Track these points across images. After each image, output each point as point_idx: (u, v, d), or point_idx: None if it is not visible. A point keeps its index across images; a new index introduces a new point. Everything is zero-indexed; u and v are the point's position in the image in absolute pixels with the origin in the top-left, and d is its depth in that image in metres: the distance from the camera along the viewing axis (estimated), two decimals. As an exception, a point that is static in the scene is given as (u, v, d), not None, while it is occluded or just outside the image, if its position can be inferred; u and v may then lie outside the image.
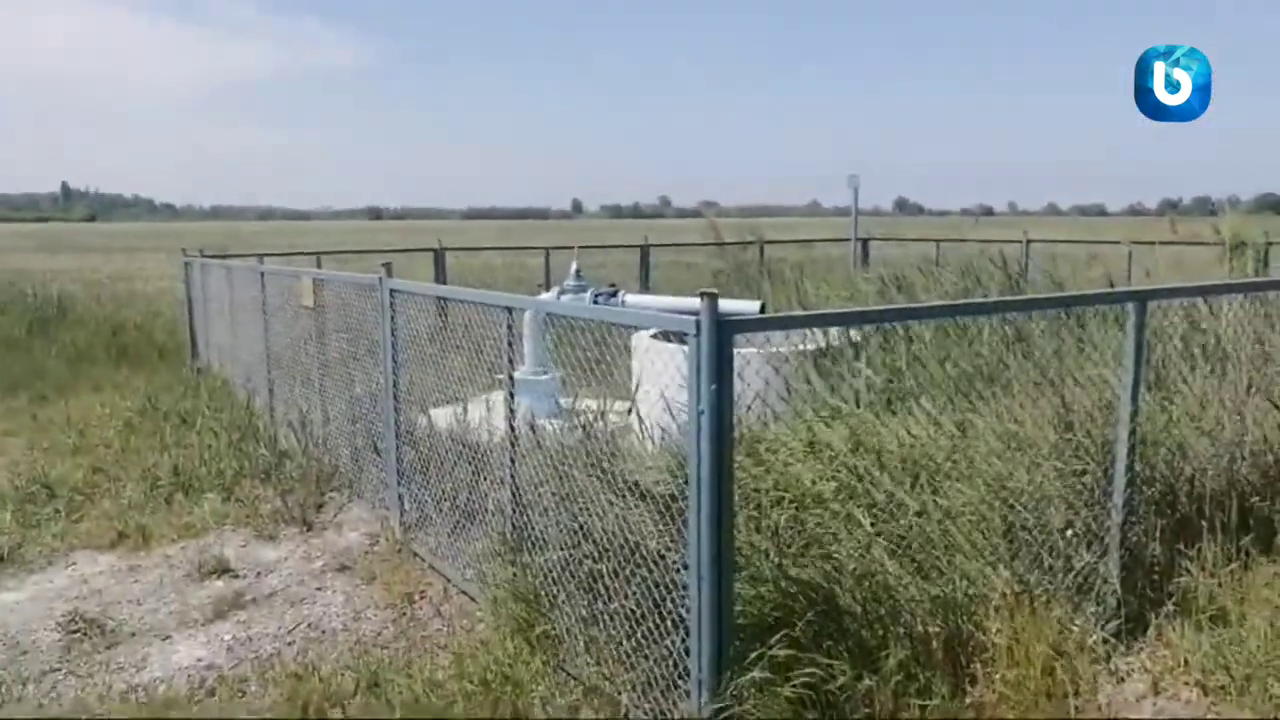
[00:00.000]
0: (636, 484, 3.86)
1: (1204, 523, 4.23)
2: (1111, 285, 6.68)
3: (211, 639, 4.58)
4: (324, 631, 4.64)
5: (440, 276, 12.83)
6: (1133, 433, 4.05)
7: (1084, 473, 4.17)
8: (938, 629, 3.70)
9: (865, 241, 15.74)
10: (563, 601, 4.01)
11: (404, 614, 4.80)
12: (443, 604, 4.87)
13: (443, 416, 5.36)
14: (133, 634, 4.65)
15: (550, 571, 4.09)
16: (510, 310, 4.37)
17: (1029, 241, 12.70)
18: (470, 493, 4.93)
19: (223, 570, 5.40)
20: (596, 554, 3.81)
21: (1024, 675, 3.54)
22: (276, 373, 7.86)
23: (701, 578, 3.14)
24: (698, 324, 3.04)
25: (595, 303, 8.30)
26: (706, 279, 14.32)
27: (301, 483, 6.55)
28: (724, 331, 3.05)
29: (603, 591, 3.75)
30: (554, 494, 4.14)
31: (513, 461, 4.45)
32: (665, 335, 7.92)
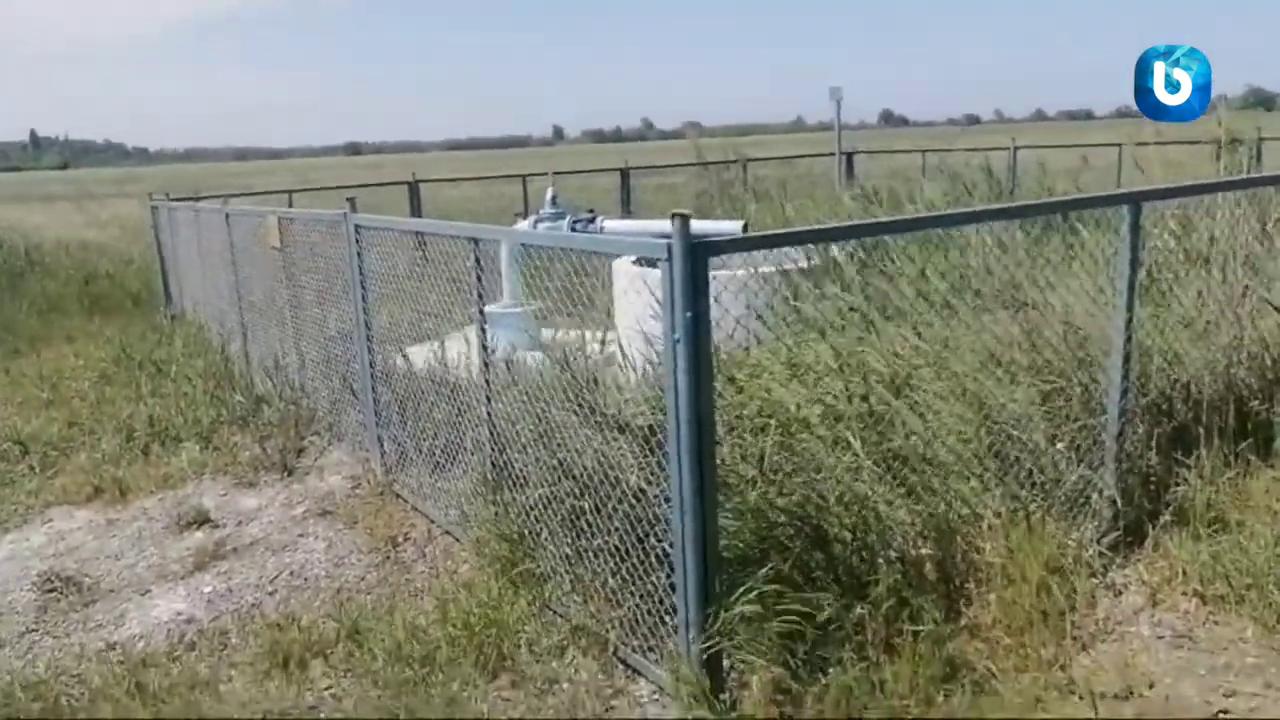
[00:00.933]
0: (616, 417, 3.72)
1: (1201, 429, 4.13)
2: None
3: (191, 592, 4.48)
4: (306, 579, 4.54)
5: (416, 210, 12.53)
6: (1128, 340, 3.91)
7: (1075, 386, 4.05)
8: (930, 552, 3.61)
9: (850, 156, 15.40)
10: (546, 540, 3.90)
11: (388, 558, 4.70)
12: (427, 546, 4.78)
13: (420, 354, 5.19)
14: (111, 590, 4.55)
15: (533, 510, 3.98)
16: (476, 241, 4.17)
17: (1016, 148, 12.42)
18: (451, 432, 4.79)
19: (202, 520, 5.28)
20: (578, 491, 3.69)
21: (1019, 594, 3.46)
22: (250, 316, 7.66)
23: (684, 512, 3.01)
24: (669, 248, 2.86)
25: (573, 230, 8.07)
26: (689, 201, 14.05)
27: (280, 428, 6.41)
28: (698, 254, 2.87)
29: (585, 528, 3.64)
30: (531, 430, 4.00)
31: (488, 399, 4.31)
32: (647, 262, 7.73)
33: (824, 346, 4.64)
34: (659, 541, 3.22)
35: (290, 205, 12.26)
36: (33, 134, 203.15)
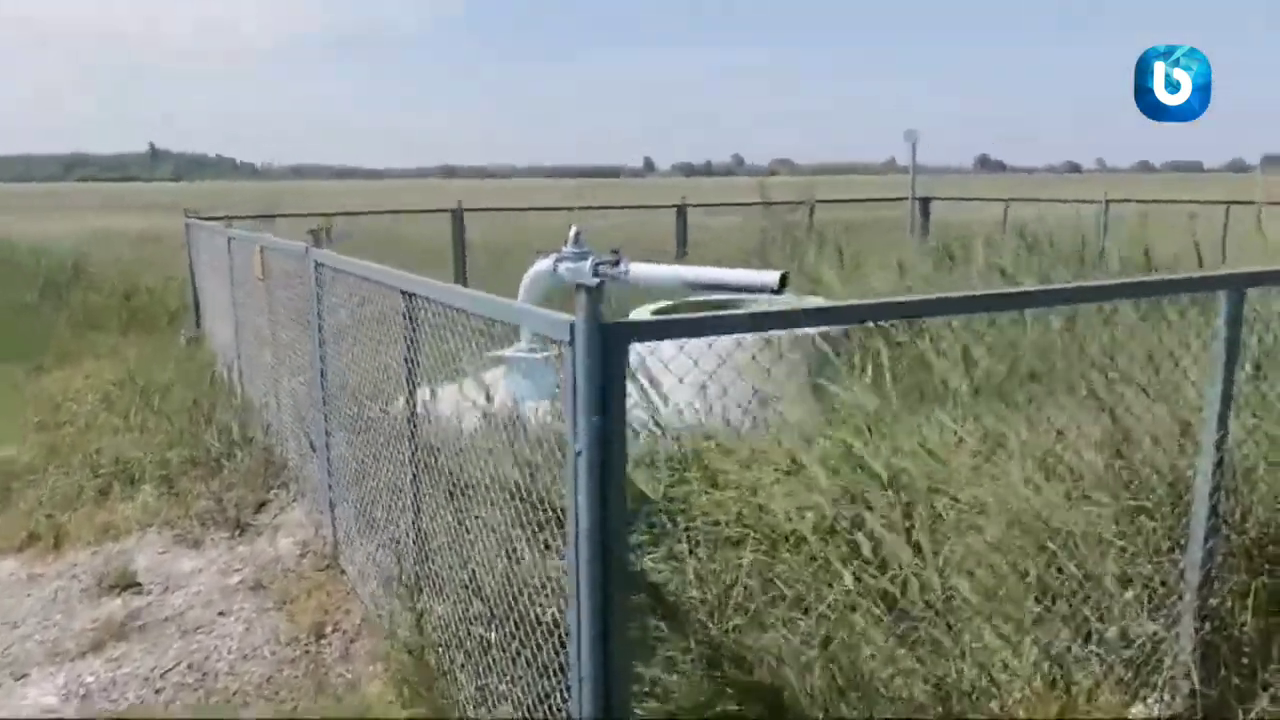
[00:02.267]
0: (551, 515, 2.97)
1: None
2: (1200, 264, 5.50)
3: (71, 680, 3.85)
4: (204, 675, 3.87)
5: (460, 240, 12.01)
6: (1219, 463, 3.00)
7: (1149, 512, 3.14)
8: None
9: (926, 201, 14.39)
10: (460, 668, 3.15)
11: (306, 652, 4.01)
12: (355, 640, 4.08)
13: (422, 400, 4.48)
14: (-10, 669, 3.96)
15: (448, 626, 3.24)
16: (411, 296, 3.47)
17: (1109, 201, 11.29)
18: (390, 505, 4.09)
19: (127, 585, 4.68)
20: (487, 616, 2.93)
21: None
22: (245, 349, 7.15)
23: (583, 679, 2.24)
24: (571, 330, 2.11)
25: (596, 273, 7.37)
26: (752, 242, 13.26)
27: (246, 478, 5.82)
28: (611, 339, 2.11)
29: (493, 667, 2.88)
30: (451, 520, 3.27)
31: (415, 476, 3.58)
32: (669, 312, 6.98)
33: (834, 435, 3.82)
34: (556, 712, 2.44)
35: (325, 229, 11.90)
36: (151, 146, 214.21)
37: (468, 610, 3.03)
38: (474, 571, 3.01)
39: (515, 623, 2.74)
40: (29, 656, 4.06)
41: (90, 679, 3.85)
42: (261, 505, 5.62)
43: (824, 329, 4.80)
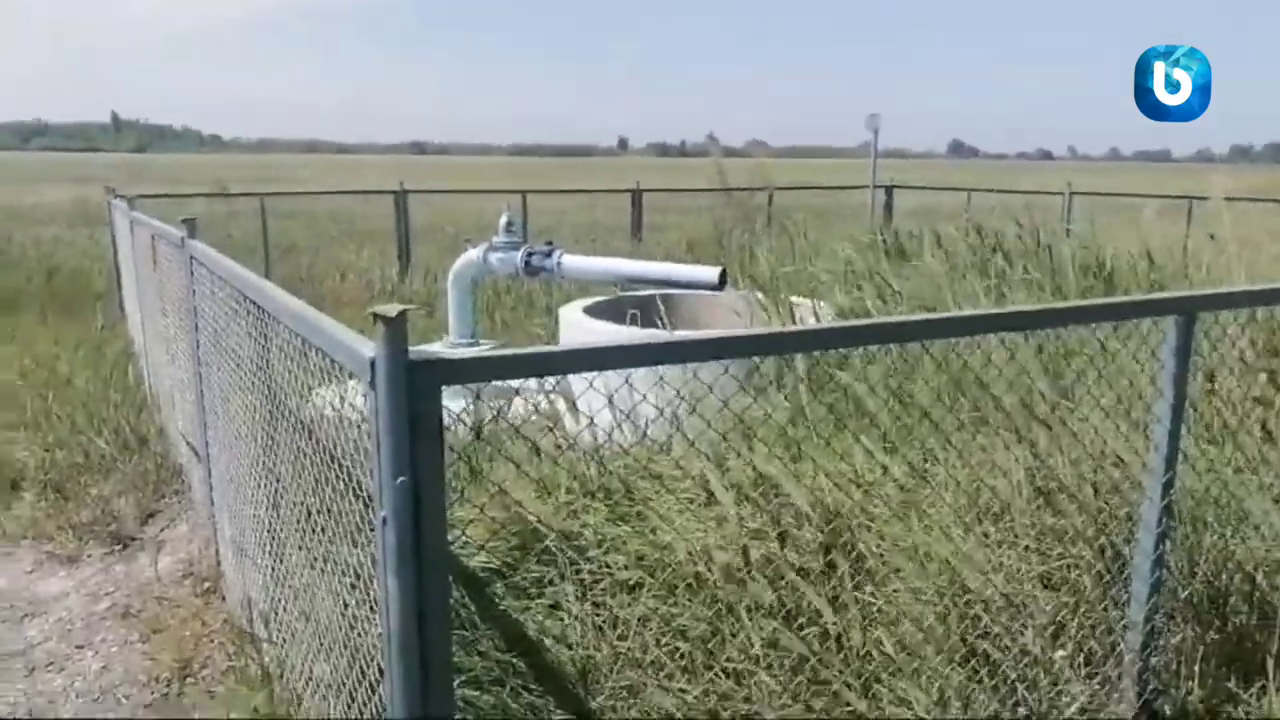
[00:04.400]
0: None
1: (1275, 640, 2.84)
2: (1150, 264, 5.17)
3: (-111, 730, 3.42)
4: (42, 723, 3.46)
5: (404, 224, 11.52)
6: (1166, 509, 2.66)
7: (1085, 565, 2.80)
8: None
9: (890, 189, 14.05)
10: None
11: (165, 695, 3.60)
12: (224, 678, 3.67)
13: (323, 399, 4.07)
14: None
15: (299, 673, 2.85)
16: (263, 313, 3.02)
17: (1072, 194, 11.00)
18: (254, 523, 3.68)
19: (-20, 610, 4.25)
20: (331, 673, 2.54)
21: None
22: (148, 341, 6.67)
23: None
24: (372, 367, 1.71)
25: (527, 264, 6.95)
26: (705, 229, 12.88)
27: (137, 484, 5.37)
28: (419, 382, 1.71)
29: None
30: (299, 557, 2.87)
31: (276, 500, 3.16)
32: (602, 310, 6.58)
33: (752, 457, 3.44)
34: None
35: (262, 209, 11.38)
36: (114, 116, 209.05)
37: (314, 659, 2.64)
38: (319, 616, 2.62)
39: (354, 684, 2.35)
40: None
41: (-90, 728, 3.42)
42: (150, 516, 5.18)
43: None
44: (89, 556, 4.79)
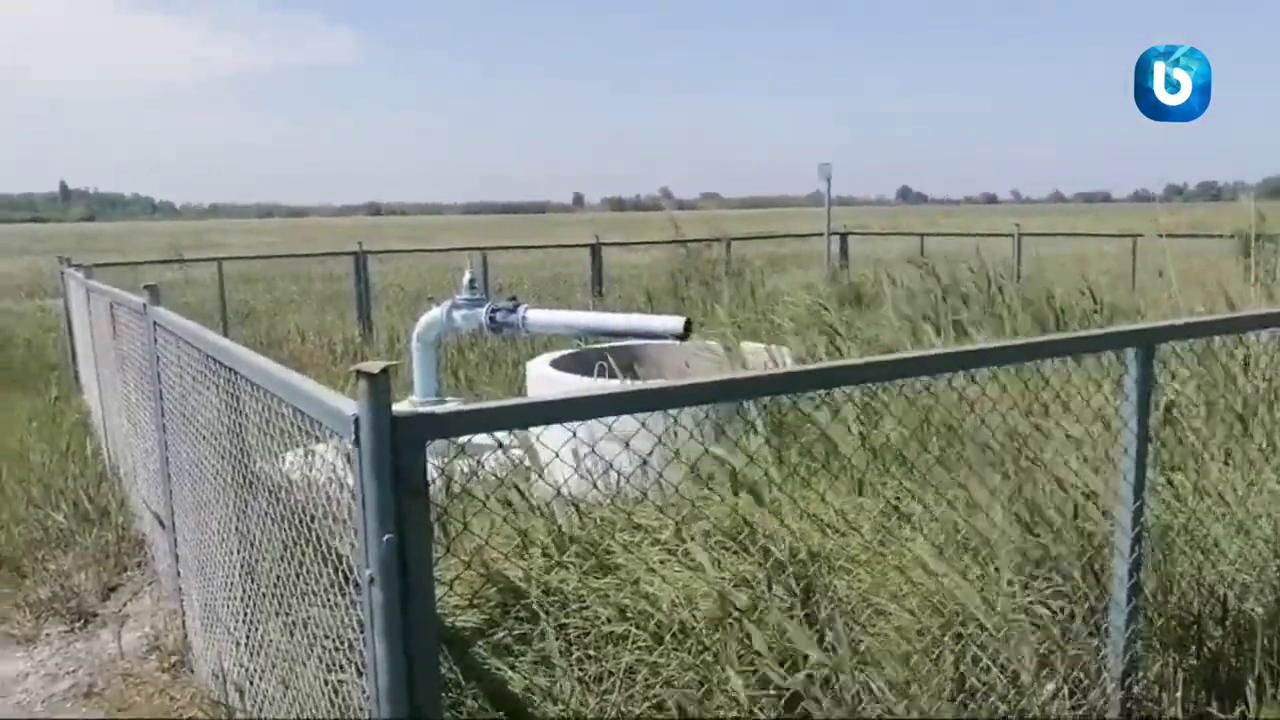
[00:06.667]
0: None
1: (1250, 665, 2.89)
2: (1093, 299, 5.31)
3: None
4: (3, 812, 3.32)
5: (364, 284, 11.49)
6: (1137, 539, 2.71)
7: (1065, 595, 2.83)
8: None
9: (845, 236, 14.33)
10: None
11: (134, 774, 3.48)
12: (195, 757, 3.56)
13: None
14: None
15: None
16: (234, 375, 2.99)
17: (1021, 235, 11.30)
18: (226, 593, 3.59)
19: (-67, 698, 4.09)
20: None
21: None
22: (108, 410, 6.54)
23: None
24: (356, 424, 1.71)
25: (491, 320, 6.97)
26: (664, 281, 13.00)
27: (97, 557, 5.24)
28: (404, 436, 1.71)
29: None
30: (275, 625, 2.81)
31: (251, 565, 3.10)
32: (568, 363, 6.59)
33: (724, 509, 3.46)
34: None
35: (220, 274, 11.29)
36: (63, 185, 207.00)
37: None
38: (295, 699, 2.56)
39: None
40: None
41: None
42: (113, 590, 5.04)
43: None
44: (46, 636, 4.64)
